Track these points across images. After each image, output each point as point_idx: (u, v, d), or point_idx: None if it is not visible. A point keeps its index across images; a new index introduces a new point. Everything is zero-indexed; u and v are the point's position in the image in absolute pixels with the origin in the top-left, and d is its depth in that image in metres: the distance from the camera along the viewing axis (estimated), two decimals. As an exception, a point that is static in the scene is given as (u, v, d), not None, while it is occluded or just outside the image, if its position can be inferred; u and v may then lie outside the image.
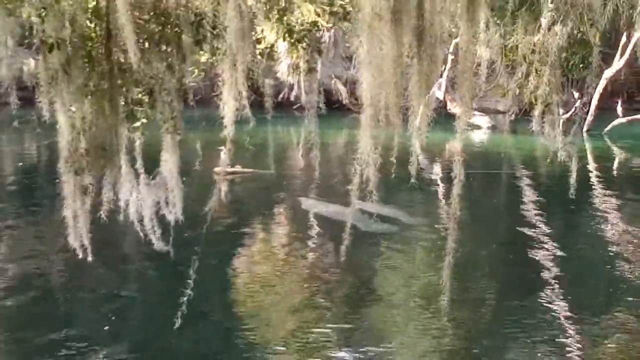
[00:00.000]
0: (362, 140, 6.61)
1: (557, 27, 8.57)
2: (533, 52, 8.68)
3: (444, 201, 16.86)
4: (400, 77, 6.27)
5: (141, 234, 7.55)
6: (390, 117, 6.39)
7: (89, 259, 7.04)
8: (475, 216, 14.51)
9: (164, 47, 6.14)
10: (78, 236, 6.77)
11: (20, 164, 21.50)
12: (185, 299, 9.93)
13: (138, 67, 6.34)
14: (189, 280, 10.65)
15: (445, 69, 29.30)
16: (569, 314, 10.01)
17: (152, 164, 7.30)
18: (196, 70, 6.90)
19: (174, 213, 7.17)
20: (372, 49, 6.02)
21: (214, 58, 6.70)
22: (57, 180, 6.83)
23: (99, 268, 10.96)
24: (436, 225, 14.43)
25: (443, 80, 29.87)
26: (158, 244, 7.38)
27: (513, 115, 31.00)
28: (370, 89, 6.20)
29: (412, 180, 7.93)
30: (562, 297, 10.62)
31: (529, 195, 17.83)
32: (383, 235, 13.69)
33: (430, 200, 17.24)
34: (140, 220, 7.46)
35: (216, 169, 19.16)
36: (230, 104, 6.32)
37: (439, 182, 19.49)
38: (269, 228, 14.43)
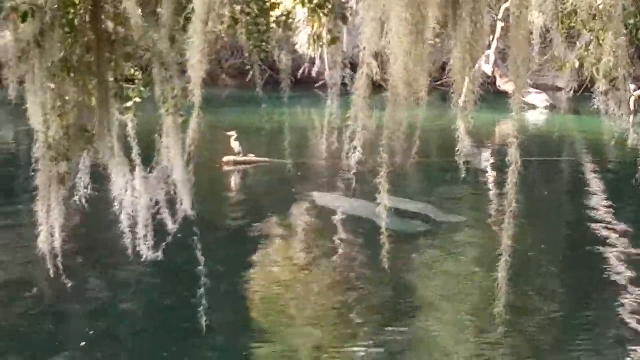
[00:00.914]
0: (388, 123, 6.56)
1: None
2: (594, 17, 8.59)
3: (491, 194, 16.82)
4: (424, 47, 6.20)
5: (128, 242, 7.49)
6: (419, 95, 6.35)
7: (58, 265, 7.00)
8: (532, 211, 14.44)
9: (161, 12, 6.12)
10: (49, 236, 6.73)
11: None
12: (188, 312, 9.97)
13: (132, 38, 6.33)
14: (190, 292, 10.69)
15: (493, 39, 29.14)
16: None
17: (145, 154, 7.26)
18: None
19: (181, 209, 7.09)
20: (397, 13, 5.96)
21: (220, 28, 6.62)
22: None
23: (85, 272, 11.02)
24: (475, 223, 14.40)
25: (491, 53, 29.69)
26: (149, 254, 7.32)
27: (572, 92, 30.82)
28: (396, 61, 6.16)
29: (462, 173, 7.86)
30: (637, 307, 10.57)
31: (594, 185, 17.74)
32: (411, 235, 13.69)
33: (473, 194, 17.20)
34: (133, 225, 7.38)
35: (225, 159, 19.17)
36: (195, 73, 6.21)
37: (487, 171, 19.44)
38: (286, 229, 14.42)
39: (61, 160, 6.40)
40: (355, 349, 9.38)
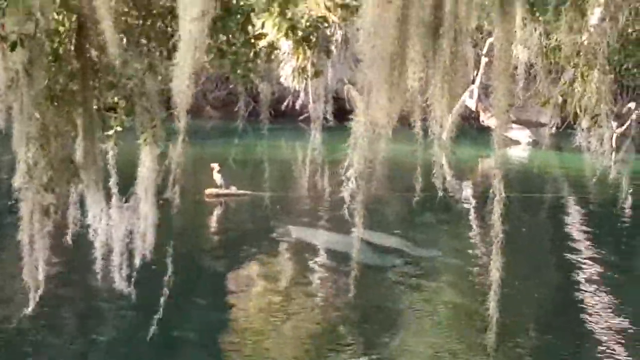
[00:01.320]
0: (355, 155, 6.52)
1: (607, 24, 8.55)
2: (579, 53, 8.64)
3: (471, 228, 16.85)
4: (400, 77, 6.19)
5: (100, 273, 7.42)
6: (390, 126, 6.33)
7: (38, 295, 6.91)
8: (514, 248, 14.46)
9: (144, 43, 6.11)
10: (32, 268, 6.64)
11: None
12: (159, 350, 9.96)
13: (115, 67, 6.32)
14: (162, 327, 10.69)
15: (477, 74, 29.27)
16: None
17: (127, 183, 7.23)
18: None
19: (143, 247, 6.99)
20: (372, 41, 5.95)
21: (205, 59, 6.61)
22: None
23: (62, 306, 10.95)
24: (450, 258, 14.41)
25: (475, 87, 29.80)
26: (123, 285, 7.24)
27: (554, 128, 30.93)
28: (368, 89, 6.15)
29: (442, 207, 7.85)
30: (619, 343, 10.64)
31: (576, 222, 17.79)
32: (384, 269, 13.73)
33: (453, 228, 17.23)
34: (108, 254, 7.30)
35: (207, 191, 19.16)
36: (181, 99, 6.18)
37: (468, 205, 19.47)
38: (261, 263, 14.34)
39: (44, 191, 6.33)
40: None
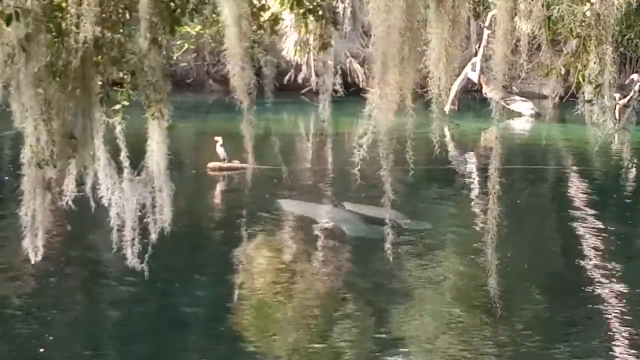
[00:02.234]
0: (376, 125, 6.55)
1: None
2: (581, 23, 8.64)
3: (470, 200, 16.90)
4: (412, 46, 6.24)
5: (115, 246, 7.47)
6: (405, 98, 6.37)
7: (37, 259, 6.98)
8: (515, 220, 14.54)
9: (147, 17, 6.11)
10: (33, 238, 6.72)
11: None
12: (166, 325, 10.05)
13: (119, 42, 6.34)
14: (172, 303, 10.79)
15: (480, 46, 29.23)
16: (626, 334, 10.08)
17: (135, 157, 7.26)
18: (185, 44, 6.87)
19: (161, 219, 7.05)
20: (382, 14, 6.00)
21: (206, 31, 6.64)
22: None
23: (68, 280, 11.02)
24: (442, 230, 14.46)
25: (478, 60, 29.76)
26: (134, 260, 7.28)
27: (557, 99, 30.91)
28: (380, 61, 6.20)
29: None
30: (622, 310, 10.72)
31: (579, 193, 17.82)
32: (376, 240, 13.86)
33: (453, 200, 17.28)
34: (120, 228, 7.34)
35: (210, 164, 19.22)
36: (239, 81, 6.25)
37: (470, 177, 19.51)
38: (267, 237, 14.38)
39: (46, 166, 6.37)
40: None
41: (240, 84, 6.20)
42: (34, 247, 6.70)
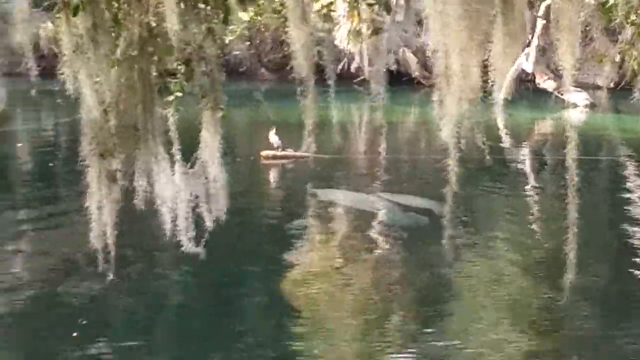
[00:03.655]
0: (445, 120, 6.50)
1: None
2: (637, 11, 8.49)
3: (523, 192, 16.76)
4: (472, 40, 6.18)
5: (169, 236, 7.48)
6: (470, 90, 6.31)
7: (111, 264, 7.01)
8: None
9: (202, 6, 6.13)
10: (101, 234, 6.72)
11: (20, 144, 21.77)
12: (224, 319, 10.08)
13: (173, 32, 6.35)
14: (228, 294, 10.83)
15: (533, 36, 28.97)
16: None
17: (187, 149, 7.25)
18: (237, 30, 6.84)
19: (215, 210, 7.07)
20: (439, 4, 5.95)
21: (258, 18, 6.62)
22: (76, 167, 6.83)
23: (125, 276, 11.10)
24: (483, 220, 14.32)
25: (531, 50, 29.50)
26: (191, 247, 7.29)
27: (612, 89, 30.55)
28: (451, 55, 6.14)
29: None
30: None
31: (633, 184, 17.61)
32: (414, 228, 13.83)
33: (505, 191, 17.13)
34: (174, 220, 7.35)
35: (263, 153, 19.23)
36: (301, 57, 6.26)
37: (523, 169, 19.37)
38: (319, 227, 14.37)
39: (109, 157, 6.39)
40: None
41: (302, 61, 6.18)
42: (103, 242, 6.70)
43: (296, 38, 6.20)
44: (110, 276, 8.08)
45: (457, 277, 11.72)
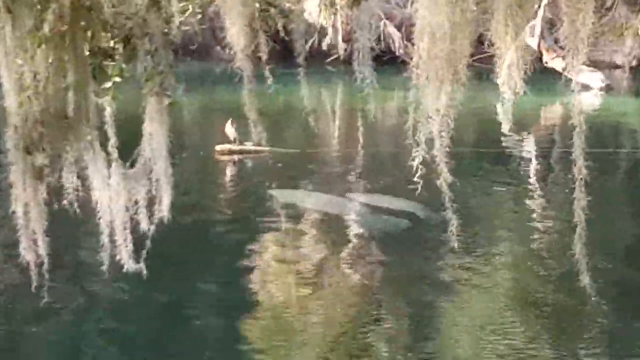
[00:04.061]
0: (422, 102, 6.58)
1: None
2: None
3: (526, 190, 16.86)
4: (467, 14, 6.23)
5: (105, 249, 7.46)
6: (459, 70, 6.37)
7: (44, 281, 6.97)
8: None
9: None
10: (30, 241, 6.67)
11: None
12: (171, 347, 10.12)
13: (111, 3, 6.34)
14: (174, 316, 10.87)
15: (540, 6, 29.07)
16: None
17: (127, 144, 7.21)
18: (190, 7, 6.85)
19: (158, 212, 7.04)
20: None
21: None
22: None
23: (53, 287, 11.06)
24: (471, 223, 14.41)
25: (537, 22, 29.59)
26: (130, 264, 7.26)
27: (635, 63, 30.68)
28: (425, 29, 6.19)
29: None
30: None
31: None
32: (392, 234, 14.02)
33: (502, 189, 17.22)
34: (111, 229, 7.32)
35: (218, 147, 19.21)
36: (238, 42, 6.27)
37: (528, 162, 19.46)
38: (278, 233, 14.35)
39: (35, 151, 6.35)
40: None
41: (240, 46, 6.19)
42: (33, 253, 6.64)
43: (231, 17, 6.20)
44: (45, 297, 8.01)
45: (447, 294, 11.77)
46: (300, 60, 7.42)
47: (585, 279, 7.33)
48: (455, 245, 7.41)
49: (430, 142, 6.67)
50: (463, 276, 12.15)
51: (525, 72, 7.08)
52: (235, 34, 6.37)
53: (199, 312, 11.05)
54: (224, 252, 13.48)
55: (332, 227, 14.56)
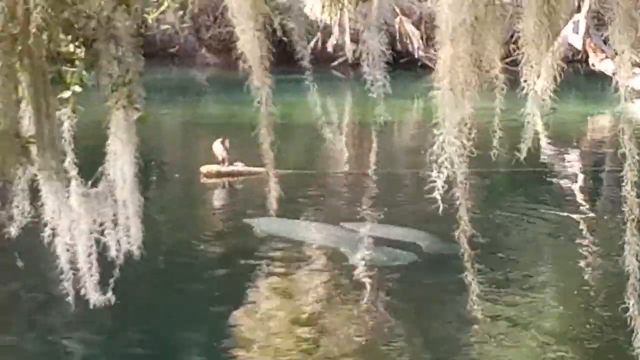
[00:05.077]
0: (444, 115, 6.59)
1: None
2: None
3: (569, 219, 16.83)
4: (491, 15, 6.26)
5: (66, 283, 7.45)
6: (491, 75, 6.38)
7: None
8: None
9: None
10: None
11: None
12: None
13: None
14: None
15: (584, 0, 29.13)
16: None
17: (91, 163, 7.21)
18: (166, 2, 6.87)
19: (128, 243, 7.03)
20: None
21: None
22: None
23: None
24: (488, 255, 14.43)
25: (581, 18, 29.64)
26: (97, 298, 7.25)
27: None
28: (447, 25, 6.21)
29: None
30: None
31: None
32: (393, 268, 14.16)
33: (540, 216, 17.20)
34: (72, 257, 7.32)
35: (204, 168, 19.22)
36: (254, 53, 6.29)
37: (571, 184, 19.49)
38: (271, 267, 14.37)
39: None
40: None
41: (255, 57, 6.23)
42: None
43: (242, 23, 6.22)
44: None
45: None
46: (305, 61, 7.46)
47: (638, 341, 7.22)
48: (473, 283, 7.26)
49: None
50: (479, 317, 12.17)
51: (557, 78, 7.05)
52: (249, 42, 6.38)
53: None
54: (198, 297, 13.47)
55: (322, 261, 14.57)
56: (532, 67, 6.67)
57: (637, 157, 6.56)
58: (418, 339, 11.82)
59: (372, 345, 11.73)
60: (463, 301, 12.27)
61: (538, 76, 6.87)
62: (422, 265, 14.08)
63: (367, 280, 13.68)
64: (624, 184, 6.64)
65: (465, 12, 6.17)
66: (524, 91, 6.81)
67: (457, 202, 6.64)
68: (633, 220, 6.67)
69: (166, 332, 11.84)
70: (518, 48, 6.66)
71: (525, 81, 6.70)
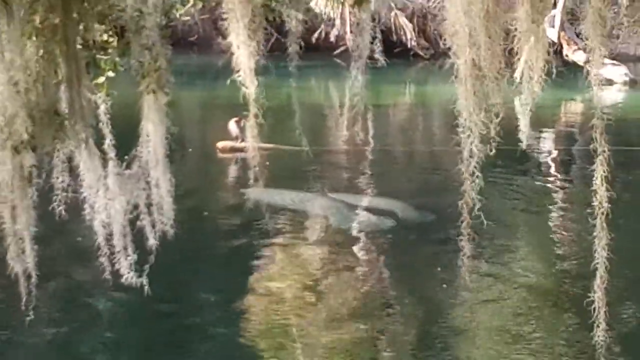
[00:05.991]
0: (462, 98, 6.57)
1: None
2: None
3: (543, 192, 16.85)
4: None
5: (104, 259, 7.35)
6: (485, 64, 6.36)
7: (32, 296, 6.85)
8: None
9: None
10: (18, 250, 6.55)
11: None
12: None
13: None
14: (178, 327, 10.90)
15: (560, -6, 29.05)
16: None
17: (124, 143, 7.14)
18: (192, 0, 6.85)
19: (159, 221, 6.96)
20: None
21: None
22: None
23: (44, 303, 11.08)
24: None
25: (557, 13, 29.55)
26: (130, 276, 7.14)
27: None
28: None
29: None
30: None
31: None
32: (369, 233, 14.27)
33: (516, 192, 17.19)
34: (109, 235, 7.20)
35: (219, 144, 19.20)
36: (243, 46, 6.26)
37: (542, 162, 19.47)
38: (283, 237, 14.40)
39: (24, 150, 6.26)
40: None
41: (244, 60, 6.21)
42: (22, 265, 6.52)
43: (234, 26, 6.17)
44: (30, 316, 7.89)
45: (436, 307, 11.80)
46: (293, 54, 7.42)
47: (600, 336, 7.13)
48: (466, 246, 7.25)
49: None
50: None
51: (545, 67, 7.04)
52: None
53: (199, 319, 11.07)
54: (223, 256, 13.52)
55: (305, 227, 14.77)
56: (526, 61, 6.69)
57: (607, 153, 6.53)
58: (397, 292, 11.92)
59: (362, 297, 11.82)
60: (437, 261, 12.47)
61: (531, 68, 6.89)
62: (399, 230, 14.24)
63: (351, 243, 13.77)
64: (594, 178, 6.58)
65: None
66: (519, 80, 6.84)
67: (462, 177, 6.65)
68: (602, 213, 6.62)
69: (182, 292, 11.89)
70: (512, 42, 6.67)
71: (522, 72, 6.72)
